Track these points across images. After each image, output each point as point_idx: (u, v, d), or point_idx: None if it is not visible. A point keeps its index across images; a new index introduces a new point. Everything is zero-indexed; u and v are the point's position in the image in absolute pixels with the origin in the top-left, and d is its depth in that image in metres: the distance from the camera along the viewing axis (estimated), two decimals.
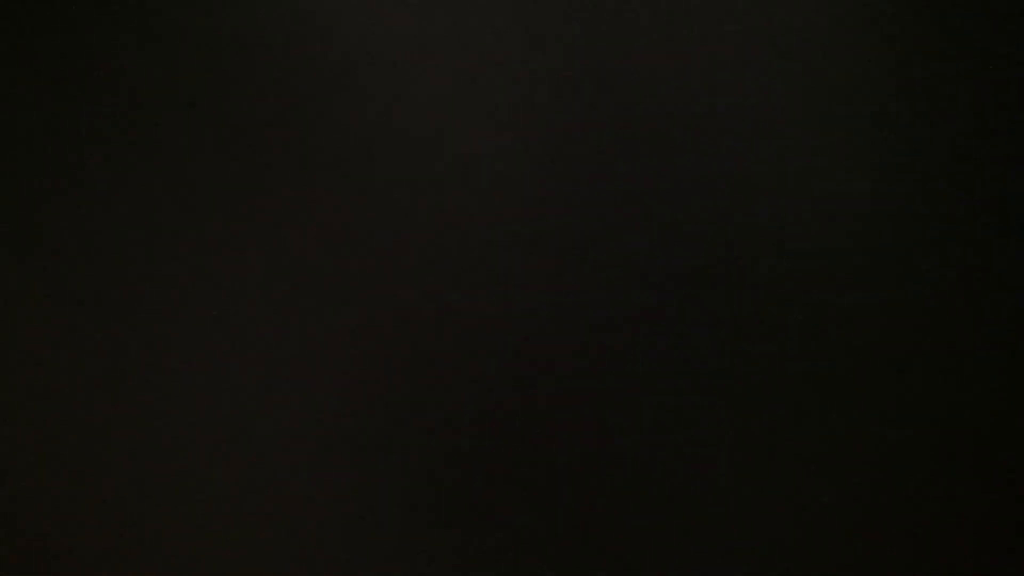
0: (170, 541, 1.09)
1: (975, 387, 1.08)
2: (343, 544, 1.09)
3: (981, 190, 1.10)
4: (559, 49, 1.11)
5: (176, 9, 1.13)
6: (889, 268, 1.09)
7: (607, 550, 1.08)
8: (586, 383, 1.09)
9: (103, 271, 1.11)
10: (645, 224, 1.10)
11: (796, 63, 1.11)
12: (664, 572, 1.08)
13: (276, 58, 1.12)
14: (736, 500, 1.08)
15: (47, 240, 1.11)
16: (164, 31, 1.12)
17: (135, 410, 1.10)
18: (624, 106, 1.11)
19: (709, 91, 1.11)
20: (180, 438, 1.10)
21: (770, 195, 1.10)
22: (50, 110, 1.12)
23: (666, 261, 1.10)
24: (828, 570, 1.08)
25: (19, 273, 1.11)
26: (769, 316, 1.09)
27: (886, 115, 1.10)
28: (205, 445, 1.10)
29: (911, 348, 1.09)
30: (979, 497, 1.08)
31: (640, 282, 1.10)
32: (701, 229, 1.10)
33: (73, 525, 1.10)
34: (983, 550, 1.07)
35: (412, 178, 1.11)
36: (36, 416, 1.10)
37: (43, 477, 1.10)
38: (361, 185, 1.11)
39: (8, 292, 1.11)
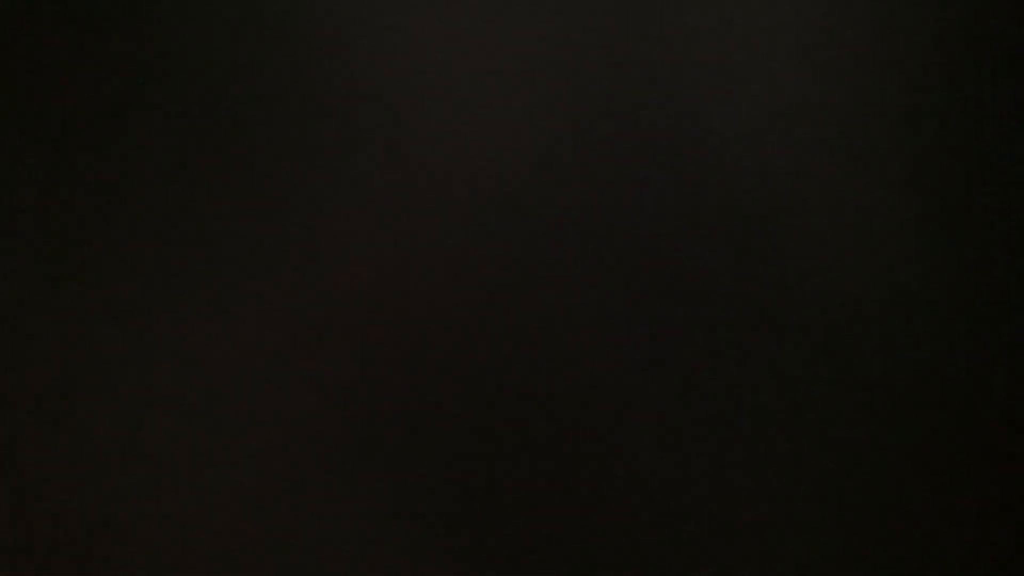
0: (166, 542, 1.10)
1: (979, 388, 1.08)
2: (342, 545, 1.10)
3: (990, 191, 1.09)
4: (565, 49, 1.11)
5: (181, 7, 1.13)
6: (896, 269, 1.09)
7: (607, 552, 1.08)
8: (587, 383, 1.09)
9: (102, 270, 1.12)
10: (651, 226, 1.10)
11: (809, 63, 1.10)
12: (665, 573, 1.08)
13: (283, 60, 1.12)
14: (737, 501, 1.08)
15: (46, 240, 1.12)
16: (170, 29, 1.13)
17: (132, 410, 1.11)
18: (631, 108, 1.11)
19: (718, 92, 1.11)
20: (179, 437, 1.10)
21: (773, 194, 1.09)
22: (47, 108, 1.13)
23: (671, 264, 1.10)
24: (827, 570, 1.07)
25: (19, 273, 1.12)
26: (775, 318, 1.09)
27: (898, 115, 1.10)
28: (204, 445, 1.10)
29: (914, 347, 1.08)
30: (979, 497, 1.07)
31: (645, 284, 1.10)
32: (706, 229, 1.10)
33: (71, 526, 1.10)
34: (983, 550, 1.07)
35: (412, 178, 1.11)
36: (35, 416, 1.11)
37: (42, 477, 1.11)
38: (365, 184, 1.11)
39: (8, 292, 1.12)
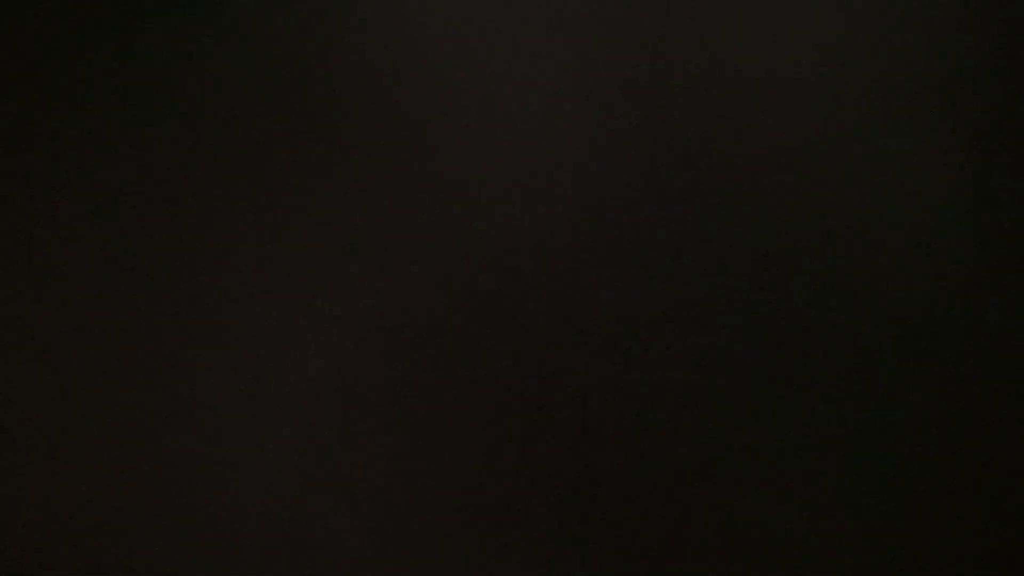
0: (172, 543, 1.09)
1: (986, 390, 1.09)
2: (349, 547, 1.09)
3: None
4: (580, 51, 1.11)
5: (191, 11, 1.12)
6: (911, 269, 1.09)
7: (613, 552, 1.09)
8: (593, 384, 1.09)
9: (111, 272, 1.11)
10: (668, 226, 1.10)
11: (839, 62, 1.11)
12: (673, 573, 1.08)
13: (295, 61, 1.12)
14: (744, 502, 1.08)
15: (51, 241, 1.11)
16: (182, 33, 1.12)
17: (138, 412, 1.10)
18: (656, 109, 1.11)
19: (739, 94, 1.11)
20: (185, 440, 1.10)
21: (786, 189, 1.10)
22: (53, 109, 1.12)
23: (680, 263, 1.10)
24: (831, 571, 1.08)
25: (22, 274, 1.11)
26: (785, 320, 1.09)
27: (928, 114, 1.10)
28: (212, 448, 1.09)
29: (926, 348, 1.09)
30: (980, 498, 1.08)
31: (657, 283, 1.10)
32: (721, 227, 1.10)
33: (75, 527, 1.10)
34: (983, 551, 1.08)
35: (420, 181, 1.11)
36: (39, 417, 1.10)
37: (45, 478, 1.10)
38: (375, 186, 1.11)
39: (12, 293, 1.11)
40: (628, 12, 1.11)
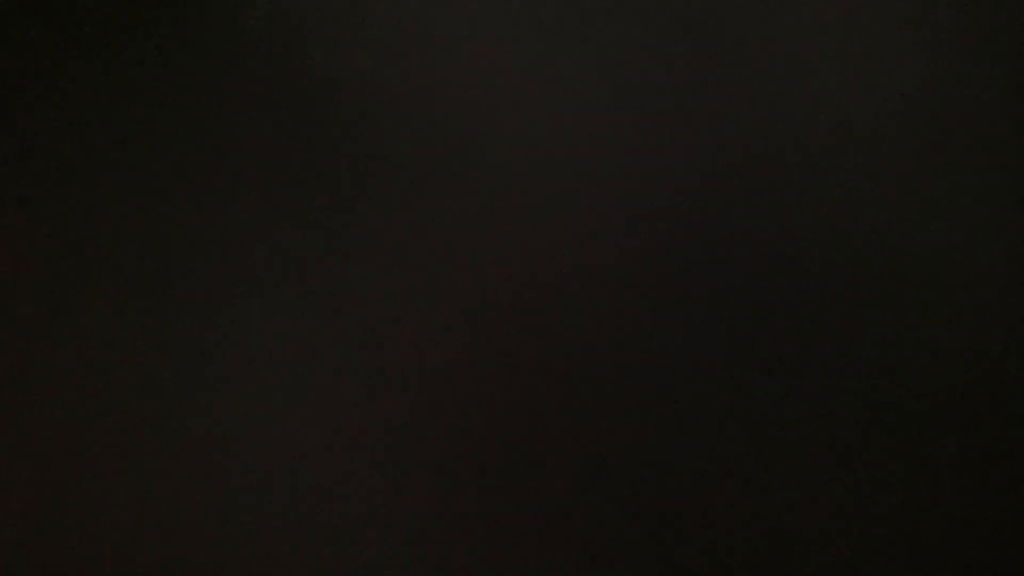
0: (183, 546, 1.09)
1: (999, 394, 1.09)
2: (360, 549, 1.09)
3: None
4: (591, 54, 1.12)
5: (195, 12, 1.12)
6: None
7: (623, 554, 1.09)
8: (599, 386, 1.09)
9: (113, 277, 1.10)
10: (703, 239, 1.10)
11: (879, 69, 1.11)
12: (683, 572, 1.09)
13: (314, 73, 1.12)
14: (758, 506, 1.09)
15: (53, 242, 1.10)
16: (186, 34, 1.12)
17: (139, 418, 1.10)
18: (691, 120, 1.11)
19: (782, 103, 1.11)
20: (198, 442, 1.09)
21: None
22: (53, 110, 1.11)
23: (711, 279, 1.10)
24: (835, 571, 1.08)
25: (24, 275, 1.10)
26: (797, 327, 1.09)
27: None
28: (225, 451, 1.09)
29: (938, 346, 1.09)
30: (982, 500, 1.08)
31: (687, 299, 1.10)
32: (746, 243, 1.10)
33: (85, 530, 1.09)
34: (985, 552, 1.08)
35: (440, 186, 1.11)
36: (45, 417, 1.10)
37: (53, 480, 1.09)
38: (395, 197, 1.11)
39: (17, 294, 1.10)
40: (663, 23, 1.12)
